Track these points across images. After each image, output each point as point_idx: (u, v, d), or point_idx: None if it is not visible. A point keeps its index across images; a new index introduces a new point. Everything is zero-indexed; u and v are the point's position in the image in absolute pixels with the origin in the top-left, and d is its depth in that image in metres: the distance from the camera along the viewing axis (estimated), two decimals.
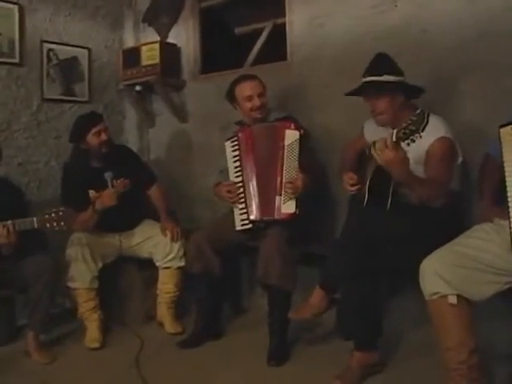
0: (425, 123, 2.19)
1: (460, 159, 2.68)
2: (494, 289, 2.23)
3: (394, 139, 2.27)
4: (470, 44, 3.04)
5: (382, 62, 2.71)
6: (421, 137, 2.26)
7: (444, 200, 2.56)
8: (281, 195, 3.13)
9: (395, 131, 2.28)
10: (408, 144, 2.29)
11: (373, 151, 2.36)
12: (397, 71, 2.67)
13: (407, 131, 2.23)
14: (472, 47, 3.04)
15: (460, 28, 3.08)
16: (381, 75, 2.65)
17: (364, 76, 2.71)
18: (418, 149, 2.50)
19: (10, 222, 2.88)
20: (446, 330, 2.23)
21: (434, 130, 2.53)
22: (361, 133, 3.04)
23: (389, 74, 2.64)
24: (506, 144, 2.16)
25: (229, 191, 3.26)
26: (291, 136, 3.13)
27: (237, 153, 3.29)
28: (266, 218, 3.18)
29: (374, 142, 2.68)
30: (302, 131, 3.14)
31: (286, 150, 3.14)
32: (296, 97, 3.76)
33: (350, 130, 3.20)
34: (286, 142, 3.14)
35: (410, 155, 2.38)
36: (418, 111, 2.44)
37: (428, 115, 2.19)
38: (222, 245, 3.26)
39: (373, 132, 2.90)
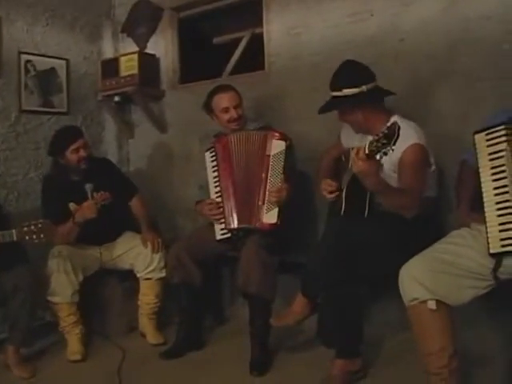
0: (395, 137, 2.18)
1: (433, 166, 2.70)
2: (472, 293, 2.24)
3: (367, 151, 2.28)
4: (445, 52, 3.10)
5: (342, 74, 2.73)
6: (392, 150, 2.25)
7: (418, 210, 2.56)
8: (263, 204, 3.13)
9: (367, 144, 2.28)
10: (381, 157, 2.30)
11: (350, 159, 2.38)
12: (357, 81, 2.66)
13: (379, 144, 2.22)
14: (447, 55, 3.09)
15: (435, 36, 3.13)
16: (340, 90, 2.68)
17: (331, 83, 2.74)
18: (390, 160, 2.52)
19: None
20: (426, 335, 2.25)
21: (405, 138, 2.51)
22: (338, 139, 3.06)
23: (348, 87, 2.66)
24: (481, 150, 2.19)
25: (210, 209, 3.26)
26: (278, 146, 3.14)
27: (215, 163, 3.30)
28: (243, 226, 3.18)
29: (351, 150, 2.71)
30: (288, 142, 3.15)
31: (271, 160, 3.14)
32: (274, 106, 3.78)
33: (328, 139, 3.23)
34: (272, 152, 3.14)
35: (384, 166, 2.41)
36: (389, 123, 2.46)
37: (399, 129, 2.20)
38: (202, 255, 3.26)
39: (348, 138, 2.93)
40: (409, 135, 2.56)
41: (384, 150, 2.23)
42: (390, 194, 2.52)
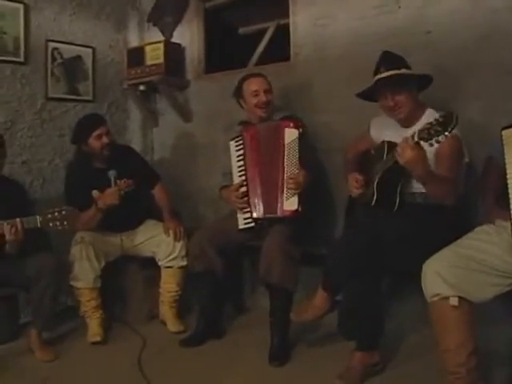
0: (454, 124, 2.14)
1: (466, 158, 2.69)
2: (495, 291, 2.22)
3: (416, 139, 2.27)
4: (473, 45, 3.05)
5: (393, 58, 2.72)
6: (446, 137, 2.20)
7: (455, 198, 2.57)
8: (283, 192, 3.15)
9: (417, 131, 2.27)
10: (431, 145, 2.25)
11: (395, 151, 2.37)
12: (408, 65, 2.70)
13: (432, 131, 2.19)
14: (475, 48, 3.04)
15: (463, 29, 3.08)
16: (399, 69, 2.66)
17: (379, 73, 2.71)
18: (428, 148, 2.45)
19: (18, 219, 2.90)
20: (446, 331, 2.23)
21: None
22: (365, 132, 3.05)
23: (403, 66, 2.67)
24: (508, 146, 2.16)
25: (237, 196, 3.27)
26: (291, 135, 3.16)
27: (241, 152, 3.31)
28: (269, 216, 3.19)
29: (384, 142, 2.70)
30: (300, 130, 3.16)
31: (286, 149, 3.16)
32: (299, 97, 3.76)
33: (353, 130, 3.21)
34: (286, 141, 3.16)
35: (429, 155, 2.39)
36: (424, 115, 2.43)
37: (457, 117, 2.15)
38: (224, 244, 3.27)
39: (381, 130, 2.91)
40: None
41: (437, 138, 2.20)
42: (436, 183, 2.51)
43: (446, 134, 2.18)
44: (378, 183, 2.71)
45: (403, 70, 2.67)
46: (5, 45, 3.80)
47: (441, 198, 2.58)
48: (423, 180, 2.50)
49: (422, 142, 2.29)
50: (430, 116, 2.59)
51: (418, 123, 2.68)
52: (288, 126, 3.18)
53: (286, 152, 3.16)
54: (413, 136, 2.30)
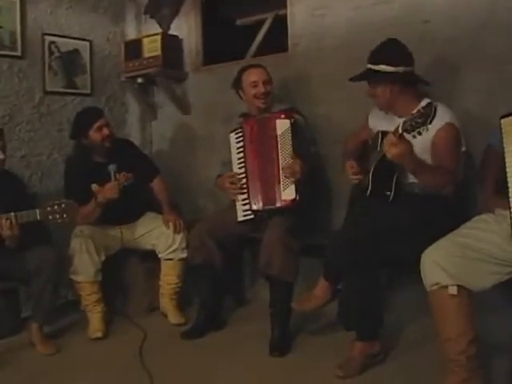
0: (432, 116, 2.19)
1: (464, 147, 2.68)
2: (494, 279, 2.23)
3: (400, 131, 2.28)
4: (472, 34, 3.04)
5: (384, 50, 2.73)
6: (427, 129, 2.26)
7: (453, 186, 2.58)
8: (280, 183, 3.16)
9: (401, 123, 2.29)
10: (414, 136, 2.28)
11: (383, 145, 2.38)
12: (396, 61, 2.66)
13: (413, 123, 2.22)
14: (473, 37, 3.03)
15: (461, 18, 3.07)
16: (377, 64, 2.68)
17: (367, 61, 2.75)
18: (423, 140, 2.49)
19: (12, 214, 2.89)
20: (446, 320, 2.24)
21: (439, 118, 2.52)
22: (365, 122, 3.05)
23: (386, 63, 2.66)
24: (507, 135, 2.15)
25: (231, 182, 3.28)
26: (282, 125, 3.17)
27: (241, 144, 3.31)
28: (268, 207, 3.20)
29: (379, 132, 2.70)
30: (292, 120, 3.17)
31: (279, 140, 3.17)
32: (297, 88, 3.75)
33: (352, 120, 3.21)
34: (279, 132, 3.17)
35: (416, 147, 2.39)
36: (425, 103, 2.44)
37: (435, 108, 2.21)
38: (223, 236, 3.28)
39: (377, 120, 2.92)
40: (442, 115, 2.55)
41: (419, 130, 2.23)
42: (428, 173, 2.53)
43: (428, 126, 2.22)
44: (372, 173, 2.71)
45: (381, 67, 2.67)
46: (1, 39, 3.80)
47: (436, 187, 2.60)
48: (413, 171, 2.52)
49: (405, 134, 2.30)
50: None
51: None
52: (279, 117, 3.19)
53: (279, 143, 3.17)
54: (397, 129, 2.31)
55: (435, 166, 2.58)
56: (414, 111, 2.27)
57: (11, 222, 2.88)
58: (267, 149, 3.22)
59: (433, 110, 2.18)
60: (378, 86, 2.74)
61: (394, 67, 2.66)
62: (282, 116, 3.19)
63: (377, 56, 2.72)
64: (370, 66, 2.73)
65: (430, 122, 2.21)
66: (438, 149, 2.59)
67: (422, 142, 2.50)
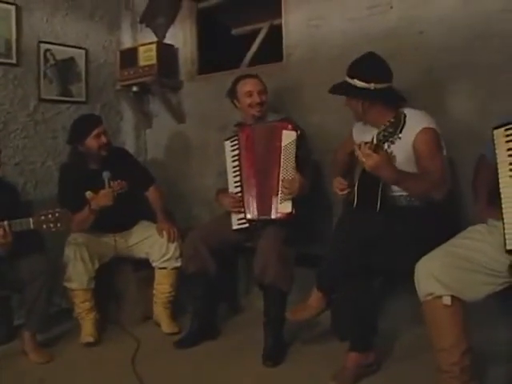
0: (402, 125, 2.28)
1: (444, 150, 2.68)
2: (487, 290, 2.24)
3: (375, 142, 2.31)
4: (466, 45, 3.06)
5: (360, 65, 2.75)
6: (400, 138, 2.33)
7: (443, 193, 2.55)
8: (277, 195, 3.15)
9: (375, 135, 2.34)
10: (388, 146, 2.36)
11: (359, 156, 2.38)
12: (369, 77, 2.67)
13: (386, 133, 2.30)
14: (467, 48, 3.05)
15: (455, 29, 3.09)
16: (352, 78, 2.71)
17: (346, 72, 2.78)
18: (401, 148, 2.53)
19: (6, 222, 2.88)
20: (440, 330, 2.24)
21: (416, 124, 2.56)
22: (350, 134, 3.06)
23: (360, 79, 2.68)
24: (500, 145, 2.17)
25: (232, 203, 3.27)
26: (288, 137, 3.14)
27: (236, 152, 3.30)
28: (262, 218, 3.19)
29: (359, 145, 2.71)
30: (298, 132, 3.15)
31: (283, 151, 3.15)
32: (291, 97, 3.77)
33: (345, 130, 3.21)
34: (283, 143, 3.15)
35: (398, 156, 2.42)
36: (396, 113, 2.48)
37: (405, 116, 2.30)
38: (218, 244, 3.28)
39: (360, 132, 2.94)
40: (419, 121, 2.60)
41: (391, 139, 2.30)
42: (412, 181, 2.53)
43: (399, 135, 2.30)
44: (358, 186, 2.72)
45: (355, 81, 2.69)
46: None
47: (424, 193, 2.57)
48: (394, 182, 2.52)
49: (381, 145, 2.34)
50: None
51: None
52: (286, 128, 3.16)
53: (282, 154, 3.15)
54: (372, 140, 2.34)
55: (419, 173, 2.58)
56: (386, 122, 2.35)
57: (4, 230, 2.87)
58: (268, 158, 3.20)
59: (402, 118, 2.27)
60: (350, 98, 2.79)
61: (367, 83, 2.67)
62: (289, 127, 3.16)
63: (353, 70, 2.74)
64: (346, 78, 2.76)
65: (401, 131, 2.29)
66: (420, 152, 2.59)
67: (399, 150, 2.53)
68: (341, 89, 2.79)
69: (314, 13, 3.65)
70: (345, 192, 2.85)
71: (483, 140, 2.58)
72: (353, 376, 2.66)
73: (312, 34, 3.67)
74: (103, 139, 3.45)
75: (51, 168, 4.12)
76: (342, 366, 2.69)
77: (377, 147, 2.31)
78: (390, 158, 2.39)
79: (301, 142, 3.18)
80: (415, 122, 2.55)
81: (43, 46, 4.08)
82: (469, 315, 2.26)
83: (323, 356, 2.97)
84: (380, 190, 2.64)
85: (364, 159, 2.34)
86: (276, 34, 4.10)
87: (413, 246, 2.47)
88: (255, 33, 4.77)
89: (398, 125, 2.26)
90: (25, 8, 3.95)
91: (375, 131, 2.62)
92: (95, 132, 3.43)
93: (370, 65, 2.74)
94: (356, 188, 2.71)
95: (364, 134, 2.82)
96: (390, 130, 2.27)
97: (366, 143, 2.34)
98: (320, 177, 3.57)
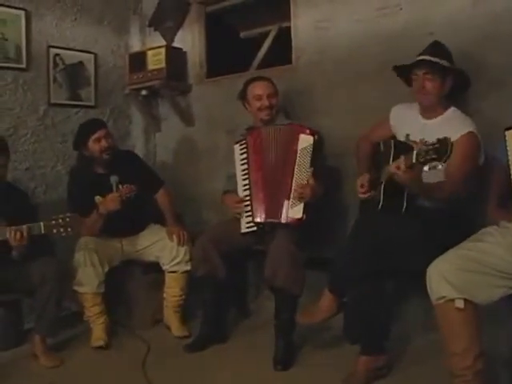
0: (448, 154, 2.09)
1: (482, 158, 2.67)
2: (500, 292, 2.21)
3: (414, 161, 2.22)
4: (475, 46, 3.04)
5: (440, 48, 2.76)
6: (442, 166, 2.18)
7: (466, 191, 2.58)
8: (289, 199, 3.12)
9: (414, 154, 2.20)
10: (429, 168, 2.20)
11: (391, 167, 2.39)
12: (452, 60, 2.73)
13: (428, 157, 2.14)
14: (477, 49, 3.03)
15: (465, 30, 3.07)
16: (438, 57, 2.70)
17: (421, 55, 2.76)
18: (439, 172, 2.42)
19: (24, 226, 2.90)
20: (452, 334, 2.22)
21: (461, 126, 2.57)
22: (386, 119, 3.02)
23: (446, 59, 2.70)
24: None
25: (236, 207, 3.28)
26: (305, 141, 3.12)
27: (245, 155, 3.30)
28: (270, 221, 3.18)
29: (391, 143, 2.71)
30: (316, 136, 3.13)
31: (298, 155, 3.13)
32: (301, 100, 3.76)
33: (355, 133, 3.20)
34: (300, 147, 3.13)
35: (430, 177, 2.41)
36: (451, 112, 2.57)
37: (451, 146, 2.09)
38: (227, 248, 3.26)
39: (401, 118, 2.92)
40: (464, 123, 2.59)
41: (431, 164, 2.16)
42: (435, 191, 2.55)
43: (441, 164, 2.15)
44: (384, 187, 2.69)
45: (444, 62, 2.69)
46: (6, 51, 3.81)
47: (447, 199, 2.59)
48: (419, 194, 2.57)
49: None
50: (451, 114, 2.74)
51: (439, 117, 2.76)
52: (303, 132, 3.14)
53: (297, 158, 3.13)
54: (410, 157, 2.24)
55: (442, 183, 2.56)
56: (429, 142, 2.16)
57: (22, 234, 2.88)
58: (282, 161, 3.19)
59: (449, 148, 2.08)
60: (433, 78, 2.71)
61: (452, 64, 2.71)
62: (307, 131, 3.14)
63: (434, 50, 2.73)
64: (428, 57, 2.71)
65: (445, 161, 2.12)
66: (455, 159, 2.47)
67: (437, 174, 2.46)
68: (427, 67, 2.72)
69: (322, 15, 3.64)
70: (366, 195, 2.82)
71: (492, 142, 2.57)
72: (363, 379, 2.65)
73: (321, 37, 3.66)
74: (104, 143, 3.44)
75: (61, 172, 4.14)
76: (353, 369, 2.67)
77: (413, 166, 2.27)
78: (419, 177, 2.37)
79: (317, 147, 3.15)
80: (461, 123, 2.57)
81: (52, 51, 4.10)
82: (483, 318, 2.23)
83: (334, 360, 2.95)
84: (406, 192, 2.63)
85: (398, 172, 2.33)
86: (285, 36, 4.10)
87: (427, 248, 2.45)
88: (264, 36, 4.77)
89: (444, 154, 2.08)
90: (34, 13, 3.98)
91: (419, 120, 2.73)
92: (95, 136, 3.43)
93: (447, 49, 2.78)
94: (382, 190, 2.69)
95: (404, 120, 2.83)
96: (434, 156, 2.11)
97: (405, 157, 2.31)
98: (333, 181, 3.54)
